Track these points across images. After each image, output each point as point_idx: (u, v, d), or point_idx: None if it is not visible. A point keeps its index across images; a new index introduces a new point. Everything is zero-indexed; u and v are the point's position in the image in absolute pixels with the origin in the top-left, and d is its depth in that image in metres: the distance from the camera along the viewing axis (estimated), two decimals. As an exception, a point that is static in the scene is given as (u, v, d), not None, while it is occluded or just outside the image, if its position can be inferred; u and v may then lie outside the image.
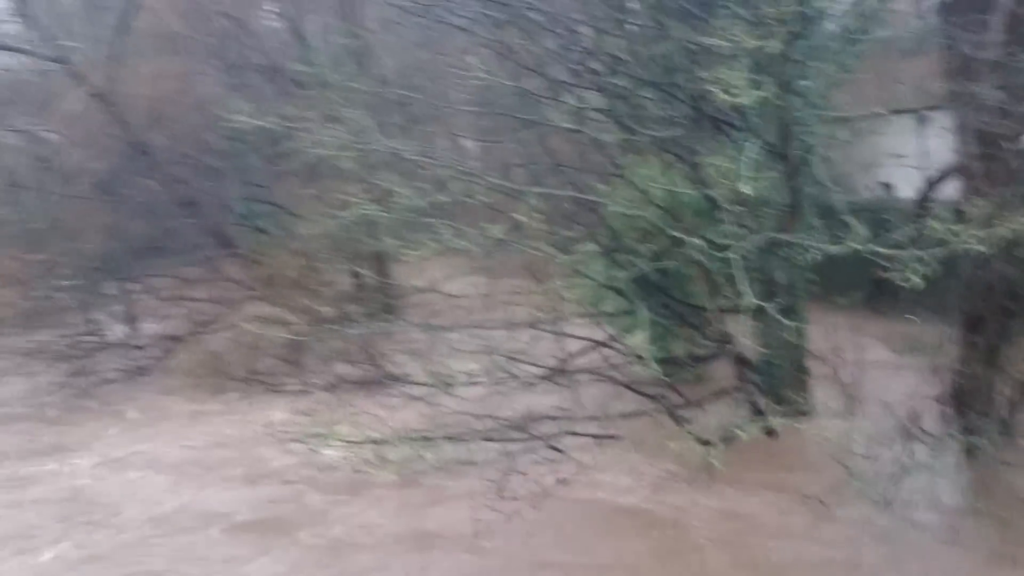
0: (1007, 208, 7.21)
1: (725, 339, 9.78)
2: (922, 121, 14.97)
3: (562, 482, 8.53)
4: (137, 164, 17.74)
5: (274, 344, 13.50)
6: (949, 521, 7.38)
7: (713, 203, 9.08)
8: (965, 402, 8.56)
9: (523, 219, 7.90)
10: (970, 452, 8.17)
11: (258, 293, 15.36)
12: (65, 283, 16.78)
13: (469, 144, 16.85)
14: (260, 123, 10.01)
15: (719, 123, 9.80)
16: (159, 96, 17.46)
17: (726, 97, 7.25)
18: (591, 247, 9.37)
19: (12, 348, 16.24)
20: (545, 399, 10.20)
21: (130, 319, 18.84)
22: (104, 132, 17.65)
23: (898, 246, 7.20)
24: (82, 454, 12.33)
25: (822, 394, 9.72)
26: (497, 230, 7.92)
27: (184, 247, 18.13)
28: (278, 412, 12.00)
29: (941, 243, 6.89)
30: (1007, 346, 8.53)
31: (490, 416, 9.73)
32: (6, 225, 17.92)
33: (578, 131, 9.49)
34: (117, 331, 18.21)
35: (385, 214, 8.67)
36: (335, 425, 9.47)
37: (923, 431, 8.17)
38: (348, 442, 9.25)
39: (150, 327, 18.21)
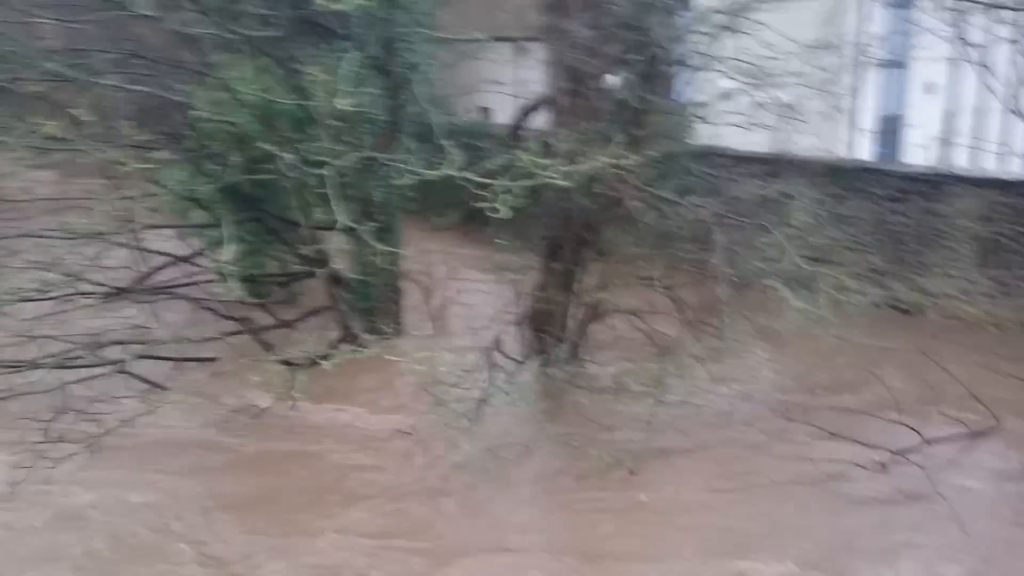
0: (589, 144, 7.54)
1: (319, 258, 9.40)
2: (520, 50, 15.54)
3: (125, 421, 7.61)
4: None
5: None
6: (524, 445, 7.71)
7: (311, 115, 8.57)
8: (542, 326, 9.01)
9: (84, 115, 6.77)
10: (545, 375, 8.63)
11: None
12: None
13: (39, 21, 14.48)
14: None
15: (321, 30, 9.23)
16: None
17: (325, 1, 6.71)
18: (169, 153, 8.40)
19: None
20: (117, 320, 9.17)
21: None
22: None
23: (490, 174, 7.23)
24: None
25: (414, 317, 9.77)
26: (53, 126, 6.71)
27: None
28: None
29: (528, 175, 7.00)
30: (581, 273, 9.07)
31: (50, 339, 8.55)
32: None
33: (159, 19, 8.38)
34: None
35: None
36: None
37: (505, 356, 8.45)
38: None
39: None
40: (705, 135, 9.41)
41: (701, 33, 8.23)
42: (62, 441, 7.41)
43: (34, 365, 7.99)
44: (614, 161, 7.01)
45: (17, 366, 8.02)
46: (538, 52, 14.16)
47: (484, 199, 7.24)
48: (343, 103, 6.86)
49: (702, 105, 8.69)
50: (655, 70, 8.44)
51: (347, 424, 8.35)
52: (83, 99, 8.01)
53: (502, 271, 9.90)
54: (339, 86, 7.23)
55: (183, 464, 7.63)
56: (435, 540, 6.57)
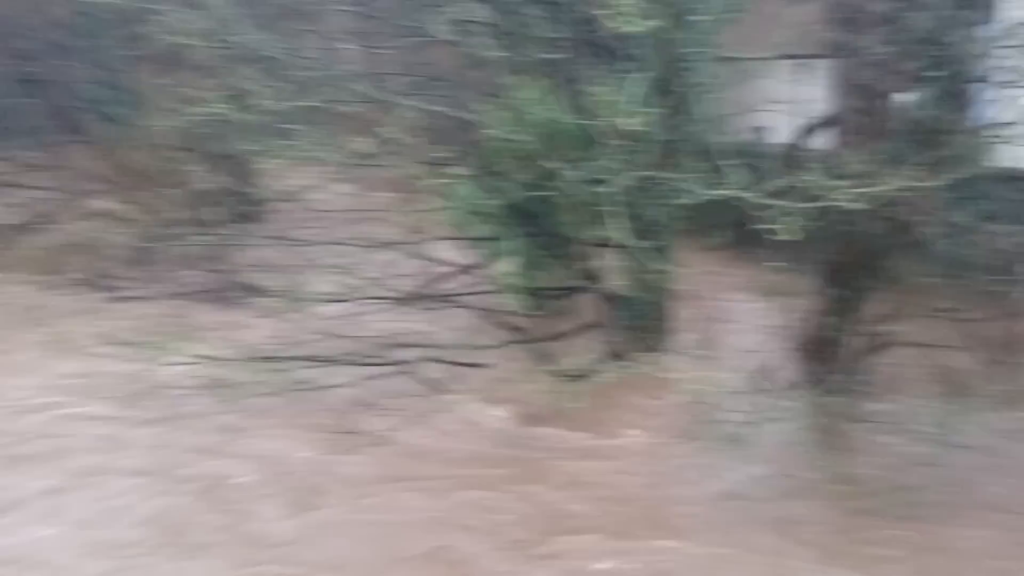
0: (880, 165, 7.21)
1: (592, 274, 9.62)
2: (801, 68, 15.04)
3: (412, 418, 8.20)
4: (-28, 33, 16.10)
5: (118, 244, 12.57)
6: (790, 476, 7.47)
7: (592, 134, 8.79)
8: (817, 355, 8.69)
9: (392, 134, 7.39)
10: (818, 406, 8.31)
11: (104, 187, 14.25)
12: None
13: (347, 48, 15.92)
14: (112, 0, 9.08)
15: (604, 51, 9.45)
16: (0, -40, 15.80)
17: (615, 24, 6.88)
18: (462, 170, 8.94)
19: None
20: (404, 324, 9.86)
21: (-39, 202, 17.34)
22: (-65, -6, 15.90)
23: (772, 195, 7.10)
24: None
25: (684, 337, 9.73)
26: (363, 144, 7.40)
27: (25, 129, 16.65)
28: (122, 321, 11.17)
29: (815, 197, 6.81)
30: (862, 301, 8.67)
31: (346, 338, 9.34)
32: None
33: (458, 44, 8.96)
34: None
35: (240, 115, 7.99)
36: (177, 339, 8.90)
37: (776, 381, 8.25)
38: (190, 358, 8.72)
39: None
40: (1010, 157, 8.70)
41: (1009, 47, 7.65)
42: (354, 432, 8.13)
43: (334, 361, 8.77)
44: (909, 184, 6.65)
45: (320, 361, 8.82)
46: (819, 69, 13.67)
47: (763, 220, 7.14)
48: (628, 123, 7.00)
49: (1008, 125, 8.05)
50: (955, 87, 7.94)
51: (607, 439, 8.47)
52: (386, 119, 8.71)
53: (775, 294, 9.65)
54: (623, 106, 7.39)
55: (448, 461, 8.08)
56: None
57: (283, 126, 8.14)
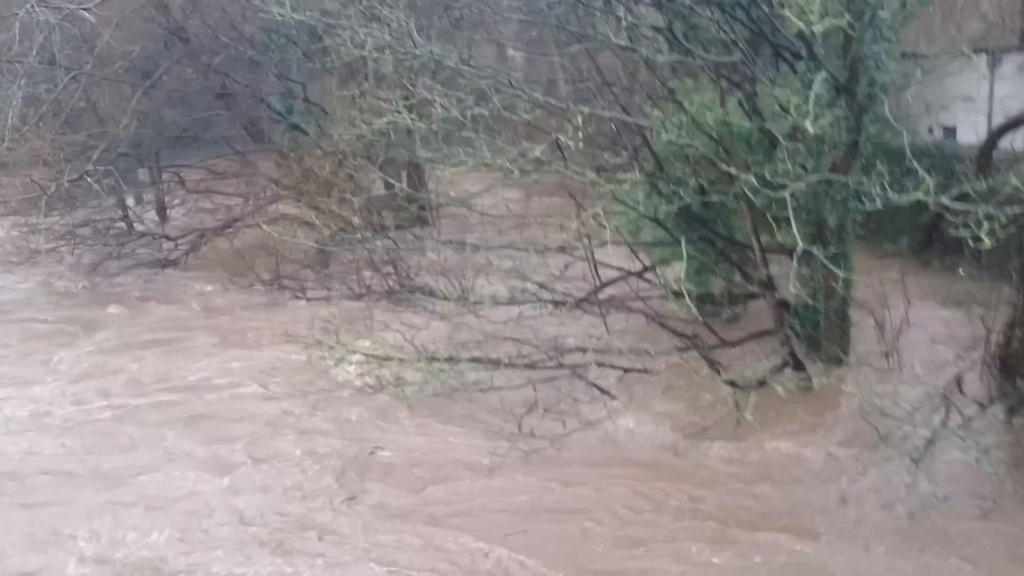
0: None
1: (766, 281, 9.35)
2: (994, 63, 14.15)
3: (586, 423, 8.26)
4: (174, 51, 17.31)
5: (301, 247, 13.24)
6: (977, 496, 7.02)
7: (769, 137, 8.55)
8: (1014, 369, 8.12)
9: (566, 140, 7.42)
10: (1013, 424, 7.78)
11: (289, 193, 15.02)
12: (97, 167, 16.54)
13: (515, 55, 16.16)
14: (299, 17, 9.53)
15: (782, 52, 9.19)
16: (199, -19, 16.92)
17: (797, 22, 6.63)
18: (635, 175, 8.88)
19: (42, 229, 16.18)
20: (574, 327, 9.91)
21: (160, 208, 18.70)
22: (142, 15, 17.17)
23: (966, 198, 6.68)
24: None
25: (863, 346, 9.31)
26: (537, 150, 7.46)
27: (217, 139, 17.82)
28: (300, 319, 11.77)
29: (1016, 200, 6.37)
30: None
31: (517, 341, 9.47)
32: (40, 104, 17.57)
33: (631, 49, 8.90)
34: (146, 219, 18.09)
35: (421, 124, 8.25)
36: (356, 339, 9.28)
37: (965, 395, 7.76)
38: (368, 357, 9.08)
39: (179, 218, 18.07)
40: None
41: None
42: (513, 430, 8.39)
43: (502, 363, 8.91)
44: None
45: (489, 363, 8.96)
46: (1016, 64, 12.82)
47: (956, 226, 6.72)
48: (811, 125, 6.75)
49: None
50: None
51: (772, 447, 8.22)
52: (558, 125, 8.76)
53: (966, 304, 9.10)
54: (804, 108, 7.13)
55: (596, 459, 8.15)
56: None
57: (458, 134, 8.33)
